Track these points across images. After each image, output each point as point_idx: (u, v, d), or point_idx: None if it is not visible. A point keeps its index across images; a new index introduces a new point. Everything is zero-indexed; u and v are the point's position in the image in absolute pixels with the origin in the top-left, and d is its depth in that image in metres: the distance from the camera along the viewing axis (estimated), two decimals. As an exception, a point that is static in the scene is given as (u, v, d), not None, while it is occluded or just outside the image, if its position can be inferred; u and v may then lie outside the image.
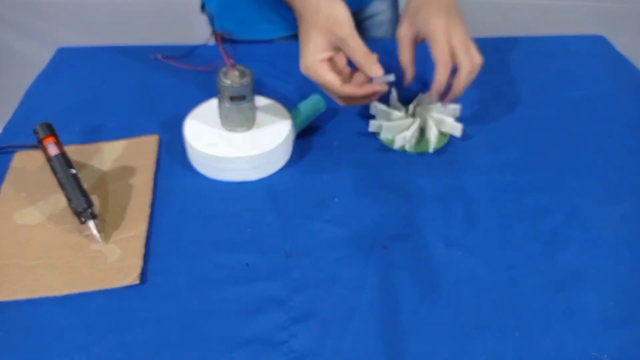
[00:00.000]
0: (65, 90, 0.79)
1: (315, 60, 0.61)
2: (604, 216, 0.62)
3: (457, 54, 0.63)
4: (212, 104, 0.69)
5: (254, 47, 0.92)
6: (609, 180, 0.66)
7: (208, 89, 0.72)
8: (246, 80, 0.63)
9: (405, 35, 0.66)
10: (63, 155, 0.59)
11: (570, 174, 0.67)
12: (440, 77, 0.63)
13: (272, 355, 0.48)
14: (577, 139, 0.72)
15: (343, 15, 0.60)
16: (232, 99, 0.63)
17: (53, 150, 0.58)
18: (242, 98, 0.63)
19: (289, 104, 0.71)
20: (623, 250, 0.58)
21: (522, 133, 0.73)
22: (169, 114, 0.74)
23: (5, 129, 0.72)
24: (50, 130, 0.60)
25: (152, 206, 0.61)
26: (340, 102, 0.66)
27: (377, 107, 0.72)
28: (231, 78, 0.62)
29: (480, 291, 0.54)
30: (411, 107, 0.73)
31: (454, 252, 0.57)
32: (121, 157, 0.67)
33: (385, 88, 0.64)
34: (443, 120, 0.70)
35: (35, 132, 0.60)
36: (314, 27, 0.61)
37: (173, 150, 0.69)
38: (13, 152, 0.67)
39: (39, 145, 0.59)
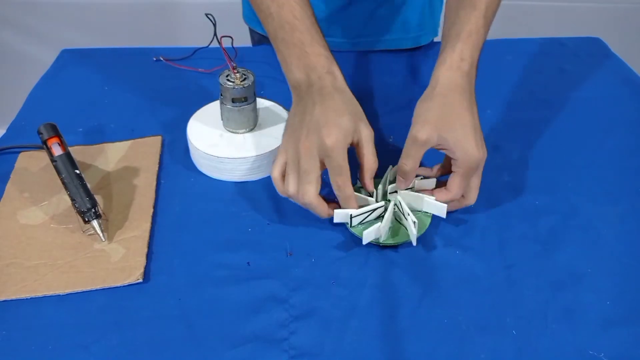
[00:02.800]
0: (69, 92, 0.79)
1: (344, 142, 0.54)
2: (602, 216, 0.62)
3: (468, 190, 0.57)
4: (214, 106, 0.70)
5: (255, 49, 0.93)
6: (607, 181, 0.67)
7: (210, 91, 0.73)
8: (248, 82, 0.63)
9: (425, 142, 0.54)
10: (67, 155, 0.59)
11: (568, 174, 0.67)
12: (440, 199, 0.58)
13: (272, 352, 0.49)
14: (574, 140, 0.73)
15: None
16: (234, 100, 0.64)
17: (57, 150, 0.59)
18: (244, 100, 0.64)
19: (290, 106, 0.71)
20: (621, 250, 0.58)
21: (519, 133, 0.73)
22: (171, 115, 0.74)
23: (9, 130, 0.72)
24: (55, 131, 0.60)
25: (155, 206, 0.61)
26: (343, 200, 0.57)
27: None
28: (233, 80, 0.63)
29: (479, 291, 0.54)
30: (380, 186, 0.60)
31: (453, 252, 0.57)
32: (124, 158, 0.67)
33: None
34: (422, 200, 0.59)
35: (39, 133, 0.60)
36: (350, 102, 0.56)
37: (176, 151, 0.69)
38: (17, 152, 0.67)
39: (43, 145, 0.60)
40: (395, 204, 0.58)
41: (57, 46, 0.90)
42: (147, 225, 0.59)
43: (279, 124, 0.67)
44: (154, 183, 0.64)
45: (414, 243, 0.57)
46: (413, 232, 0.55)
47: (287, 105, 0.71)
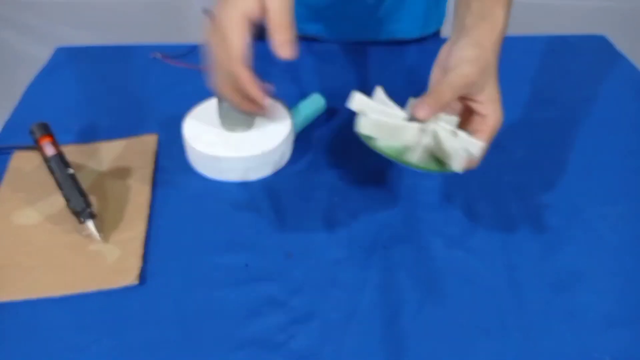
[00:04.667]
0: (64, 90, 0.79)
1: (236, 13, 0.49)
2: (605, 216, 0.61)
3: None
4: (211, 104, 0.69)
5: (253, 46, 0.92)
6: (610, 181, 0.66)
7: (206, 89, 0.72)
8: None
9: (473, 82, 0.51)
10: (60, 155, 0.58)
11: (571, 174, 0.67)
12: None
13: (271, 357, 0.48)
14: (578, 139, 0.72)
15: None
16: None
17: (50, 150, 0.58)
18: None
19: (289, 103, 0.71)
20: (623, 251, 0.58)
21: (523, 133, 0.73)
22: (167, 113, 0.74)
23: (4, 129, 0.71)
24: (47, 131, 0.60)
25: (151, 206, 0.61)
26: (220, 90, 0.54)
27: (371, 100, 0.52)
28: None
29: (481, 292, 0.53)
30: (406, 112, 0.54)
31: (455, 253, 0.57)
32: (119, 157, 0.67)
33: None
34: (456, 134, 0.52)
35: (31, 133, 0.59)
36: None
37: (171, 150, 0.68)
38: (11, 152, 0.67)
39: (36, 145, 0.59)
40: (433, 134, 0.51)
41: (52, 44, 0.89)
42: (143, 226, 0.58)
43: (277, 123, 0.67)
44: (150, 183, 0.63)
45: (459, 168, 0.49)
46: (461, 154, 0.48)
47: (288, 103, 0.70)
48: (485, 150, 0.53)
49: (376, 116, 0.50)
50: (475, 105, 0.52)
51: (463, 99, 0.52)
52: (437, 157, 0.52)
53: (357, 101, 0.51)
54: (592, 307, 0.53)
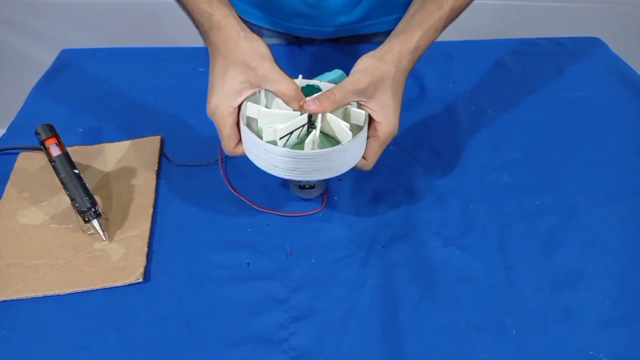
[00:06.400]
0: (69, 92, 0.79)
1: (225, 105, 0.54)
2: (601, 216, 0.62)
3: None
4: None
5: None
6: (606, 181, 0.67)
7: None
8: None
9: (364, 90, 0.54)
10: (65, 155, 0.59)
11: (567, 175, 0.67)
12: None
13: (272, 353, 0.49)
14: (574, 140, 0.73)
15: (264, 51, 0.54)
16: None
17: (55, 151, 0.58)
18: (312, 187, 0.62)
19: None
20: (620, 250, 0.59)
21: (519, 134, 0.73)
22: (171, 115, 0.74)
23: (9, 130, 0.72)
24: (52, 131, 0.60)
25: (155, 206, 0.61)
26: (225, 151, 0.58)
27: (259, 110, 0.55)
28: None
29: (479, 291, 0.54)
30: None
31: (453, 252, 0.57)
32: (124, 158, 0.67)
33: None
34: (339, 125, 0.55)
35: (36, 134, 0.60)
36: (232, 63, 0.54)
37: (175, 151, 0.69)
38: (16, 153, 0.67)
39: (41, 146, 0.60)
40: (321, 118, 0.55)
41: (57, 46, 0.90)
42: (147, 225, 0.59)
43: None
44: (154, 183, 0.64)
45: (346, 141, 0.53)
46: (348, 132, 0.53)
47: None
48: (377, 155, 0.57)
49: (274, 124, 0.54)
50: (369, 112, 0.55)
51: (363, 105, 0.56)
52: (332, 138, 0.57)
53: (249, 109, 0.55)
54: (588, 306, 0.53)
